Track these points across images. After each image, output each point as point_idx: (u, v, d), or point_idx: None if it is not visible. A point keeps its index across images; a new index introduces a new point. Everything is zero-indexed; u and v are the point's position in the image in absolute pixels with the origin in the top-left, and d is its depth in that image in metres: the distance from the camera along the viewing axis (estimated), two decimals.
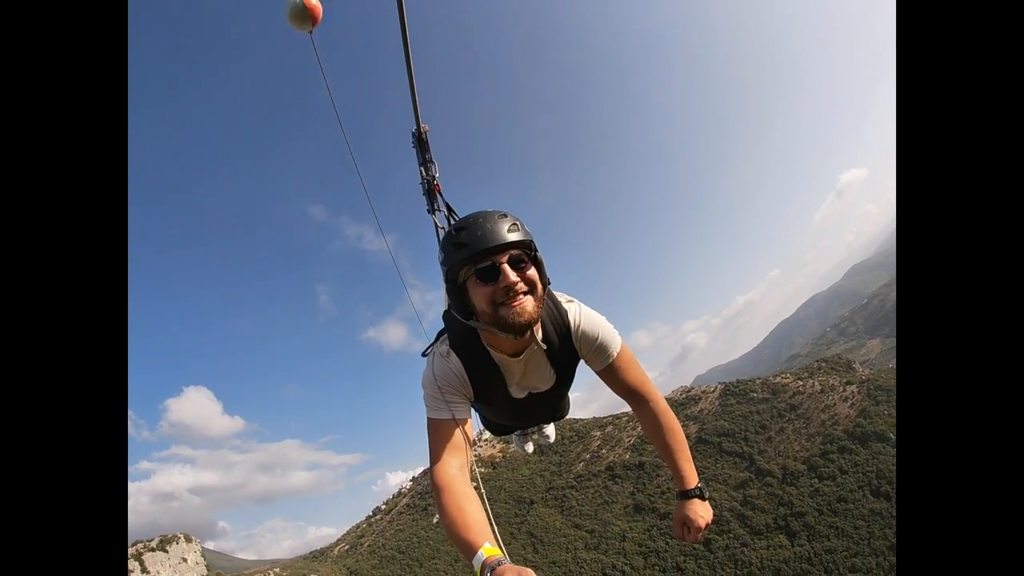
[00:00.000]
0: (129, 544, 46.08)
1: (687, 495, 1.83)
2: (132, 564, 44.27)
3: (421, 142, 2.62)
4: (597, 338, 1.73)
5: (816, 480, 67.01)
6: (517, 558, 75.37)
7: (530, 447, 3.93)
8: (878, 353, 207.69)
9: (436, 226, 2.75)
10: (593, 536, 76.15)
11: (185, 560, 47.80)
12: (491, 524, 1.52)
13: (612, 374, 1.79)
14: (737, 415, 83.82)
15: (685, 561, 66.55)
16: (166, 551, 47.28)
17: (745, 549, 64.08)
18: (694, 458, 1.85)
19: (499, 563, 1.16)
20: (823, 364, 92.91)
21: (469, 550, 1.24)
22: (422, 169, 2.66)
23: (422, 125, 2.55)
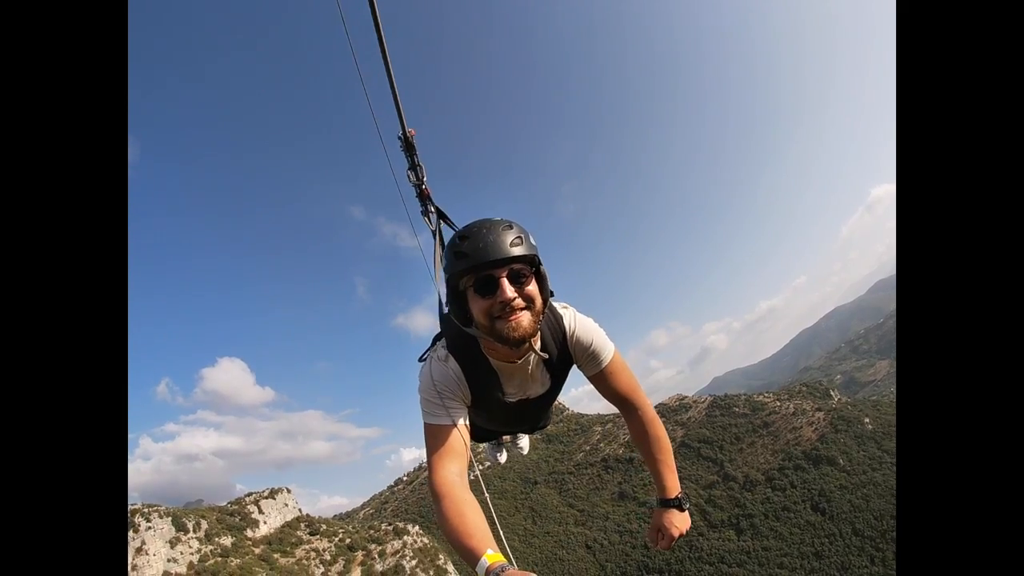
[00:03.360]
0: (247, 494, 64.99)
1: (667, 504, 1.85)
2: (251, 508, 61.31)
3: (408, 146, 2.61)
4: (591, 344, 1.74)
5: (770, 490, 79.65)
6: (518, 527, 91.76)
7: (503, 457, 3.94)
8: (884, 375, 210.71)
9: (431, 232, 2.73)
10: (583, 515, 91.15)
11: (287, 505, 65.30)
12: (497, 529, 1.45)
13: (604, 380, 1.80)
14: (718, 426, 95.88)
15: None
16: (274, 499, 64.53)
17: (701, 538, 77.65)
18: (675, 459, 1.86)
19: (503, 569, 1.14)
20: (804, 388, 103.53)
21: (472, 556, 1.22)
22: (410, 173, 2.65)
23: (408, 129, 2.55)
